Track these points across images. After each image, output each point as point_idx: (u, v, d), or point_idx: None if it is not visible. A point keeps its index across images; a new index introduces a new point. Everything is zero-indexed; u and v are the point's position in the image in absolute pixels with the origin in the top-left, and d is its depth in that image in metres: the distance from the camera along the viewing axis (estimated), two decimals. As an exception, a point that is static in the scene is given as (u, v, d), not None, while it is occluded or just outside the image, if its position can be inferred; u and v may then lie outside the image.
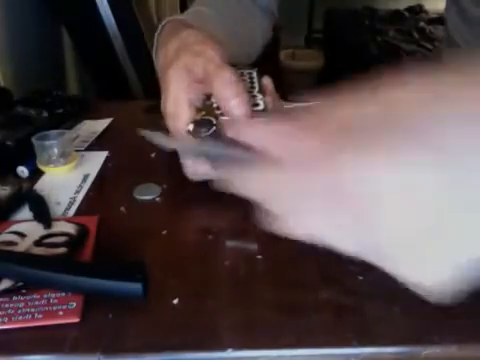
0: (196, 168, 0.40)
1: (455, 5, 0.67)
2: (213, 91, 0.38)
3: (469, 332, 0.27)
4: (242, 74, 0.45)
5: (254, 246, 0.35)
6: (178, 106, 0.40)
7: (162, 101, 0.42)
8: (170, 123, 0.41)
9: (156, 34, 0.50)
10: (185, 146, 0.39)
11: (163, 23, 0.50)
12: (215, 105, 0.40)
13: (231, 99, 0.37)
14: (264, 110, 0.40)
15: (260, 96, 0.42)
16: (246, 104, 0.38)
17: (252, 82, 0.44)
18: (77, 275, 0.29)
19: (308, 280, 0.31)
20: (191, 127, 0.38)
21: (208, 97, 0.41)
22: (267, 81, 0.45)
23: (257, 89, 0.43)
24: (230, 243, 0.35)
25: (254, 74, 0.45)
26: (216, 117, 0.38)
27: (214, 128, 0.37)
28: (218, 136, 0.37)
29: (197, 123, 0.38)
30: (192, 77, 0.40)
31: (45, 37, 1.05)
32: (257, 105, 0.40)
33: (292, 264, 0.33)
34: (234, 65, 0.39)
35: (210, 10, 0.52)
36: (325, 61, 2.49)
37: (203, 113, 0.39)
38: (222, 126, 0.37)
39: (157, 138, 0.38)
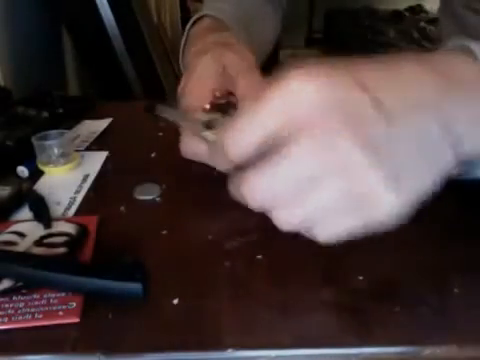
0: (194, 146, 0.40)
1: (448, 8, 0.67)
2: (237, 89, 0.38)
3: (469, 332, 0.27)
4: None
5: (246, 245, 0.35)
6: (200, 85, 0.40)
7: (182, 80, 0.42)
8: (187, 99, 0.41)
9: (187, 27, 0.50)
10: (191, 125, 0.38)
11: (197, 17, 0.50)
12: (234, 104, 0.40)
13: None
14: None
15: None
16: None
17: None
18: (77, 275, 0.29)
19: (308, 280, 0.31)
20: (208, 107, 0.38)
21: (230, 94, 0.41)
22: None
23: None
24: (220, 244, 0.35)
25: None
26: (232, 113, 0.38)
27: (228, 117, 0.37)
28: None
29: (214, 105, 0.38)
30: (222, 70, 0.40)
31: (45, 37, 1.04)
32: None
33: (292, 264, 0.33)
34: None
35: (232, 9, 0.52)
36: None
37: (222, 102, 0.39)
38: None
39: (169, 114, 0.38)
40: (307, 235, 0.30)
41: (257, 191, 0.28)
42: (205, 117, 0.37)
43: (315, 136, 0.26)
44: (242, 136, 0.27)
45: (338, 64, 0.27)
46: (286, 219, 0.29)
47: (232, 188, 0.32)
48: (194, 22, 0.50)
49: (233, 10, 0.52)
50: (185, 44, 0.49)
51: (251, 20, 0.56)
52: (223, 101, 0.40)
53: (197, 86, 0.40)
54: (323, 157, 0.26)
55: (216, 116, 0.37)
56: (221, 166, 0.33)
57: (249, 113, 0.27)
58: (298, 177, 0.27)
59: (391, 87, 0.27)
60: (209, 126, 0.36)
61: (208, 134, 0.36)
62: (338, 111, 0.26)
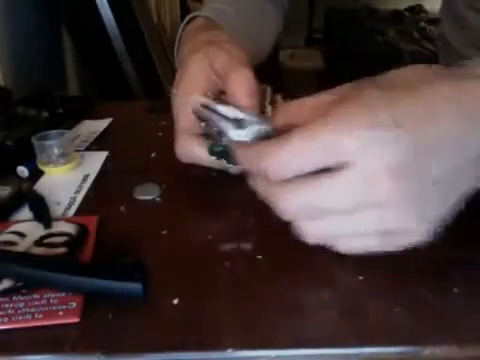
0: (190, 149, 0.40)
1: (450, 8, 0.67)
2: (227, 86, 0.38)
3: (469, 332, 0.27)
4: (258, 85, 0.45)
5: (246, 245, 0.35)
6: (191, 86, 0.40)
7: (175, 81, 0.42)
8: (177, 101, 0.41)
9: (181, 25, 0.50)
10: (219, 120, 0.37)
11: (189, 18, 0.50)
12: (226, 103, 0.40)
13: (243, 97, 0.37)
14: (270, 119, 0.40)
15: (269, 107, 0.42)
16: (256, 106, 0.38)
17: (265, 95, 0.45)
18: (77, 275, 0.29)
19: (308, 280, 0.31)
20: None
21: (222, 94, 0.41)
22: (279, 99, 0.45)
23: (268, 101, 0.43)
24: (220, 244, 0.35)
25: (268, 89, 0.46)
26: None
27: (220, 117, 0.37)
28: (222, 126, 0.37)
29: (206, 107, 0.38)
30: (212, 69, 0.40)
31: (45, 37, 1.04)
32: (265, 113, 0.41)
33: (292, 264, 0.33)
34: None
35: (230, 9, 0.53)
36: (325, 61, 2.49)
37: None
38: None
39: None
40: (328, 245, 0.31)
41: (292, 206, 0.30)
42: (236, 114, 0.36)
43: (360, 174, 0.28)
44: (287, 165, 0.29)
45: (378, 97, 0.28)
46: (312, 232, 0.30)
47: (258, 188, 0.32)
48: (189, 21, 0.50)
49: (232, 10, 0.52)
50: (179, 43, 0.50)
51: (251, 21, 0.56)
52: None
53: (189, 87, 0.40)
54: (363, 195, 0.28)
55: (246, 114, 0.36)
56: (243, 169, 0.33)
57: (298, 144, 0.28)
58: (336, 205, 0.29)
59: (429, 124, 0.28)
60: (239, 125, 0.36)
61: (238, 134, 0.36)
62: (385, 154, 0.27)
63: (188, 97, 0.40)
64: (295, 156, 0.28)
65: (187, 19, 0.50)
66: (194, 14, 0.50)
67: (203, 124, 0.38)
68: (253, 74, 0.38)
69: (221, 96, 0.41)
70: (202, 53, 0.40)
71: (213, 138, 0.38)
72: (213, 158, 0.39)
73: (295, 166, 0.29)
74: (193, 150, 0.40)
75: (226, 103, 0.38)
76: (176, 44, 0.50)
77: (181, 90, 0.40)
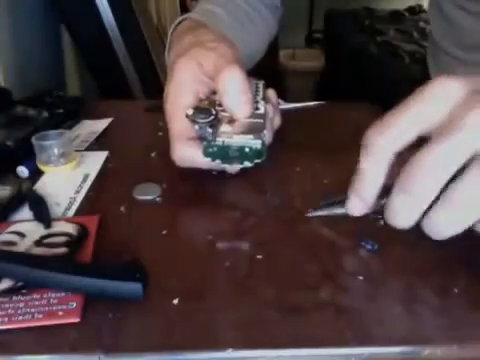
0: (188, 153, 0.40)
1: (436, 5, 0.67)
2: (218, 85, 0.38)
3: (469, 332, 0.27)
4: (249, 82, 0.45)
5: (246, 245, 0.35)
6: (181, 90, 0.40)
7: (166, 86, 0.42)
8: (168, 107, 0.41)
9: (170, 30, 0.50)
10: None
11: (178, 20, 0.50)
12: (218, 102, 0.40)
13: (234, 95, 0.37)
14: (263, 115, 0.40)
15: (262, 102, 0.42)
16: (248, 103, 0.38)
17: (257, 90, 0.45)
18: (77, 275, 0.29)
19: (308, 280, 0.31)
20: (190, 111, 0.38)
21: (214, 93, 0.41)
22: (272, 93, 0.45)
23: (261, 97, 0.43)
24: (220, 244, 0.35)
25: (260, 84, 0.46)
26: (216, 111, 0.38)
27: (213, 117, 0.37)
28: (215, 126, 0.37)
29: (197, 109, 0.38)
30: (201, 70, 0.40)
31: (45, 37, 1.04)
32: (257, 109, 0.41)
33: (292, 264, 0.33)
34: None
35: (221, 11, 0.52)
36: (325, 61, 2.49)
37: (205, 103, 0.40)
38: (221, 118, 0.38)
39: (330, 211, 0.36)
40: None
41: None
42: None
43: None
44: (400, 129, 0.28)
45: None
46: None
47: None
48: (179, 23, 0.50)
49: (224, 12, 0.52)
50: (169, 46, 0.50)
51: (243, 22, 0.56)
52: (206, 102, 0.40)
53: (178, 93, 0.40)
54: None
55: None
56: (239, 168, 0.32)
57: (408, 108, 0.28)
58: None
59: None
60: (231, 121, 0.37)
61: (228, 129, 0.37)
62: None
63: (179, 102, 0.40)
64: (407, 117, 0.28)
65: (176, 22, 0.50)
66: (183, 16, 0.50)
67: (197, 127, 0.38)
68: (243, 70, 0.38)
69: (211, 96, 0.41)
70: (188, 56, 0.40)
71: (207, 140, 0.38)
72: (208, 159, 0.39)
73: (411, 126, 0.28)
74: (189, 154, 0.40)
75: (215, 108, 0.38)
76: (167, 47, 0.50)
77: (171, 95, 0.40)
